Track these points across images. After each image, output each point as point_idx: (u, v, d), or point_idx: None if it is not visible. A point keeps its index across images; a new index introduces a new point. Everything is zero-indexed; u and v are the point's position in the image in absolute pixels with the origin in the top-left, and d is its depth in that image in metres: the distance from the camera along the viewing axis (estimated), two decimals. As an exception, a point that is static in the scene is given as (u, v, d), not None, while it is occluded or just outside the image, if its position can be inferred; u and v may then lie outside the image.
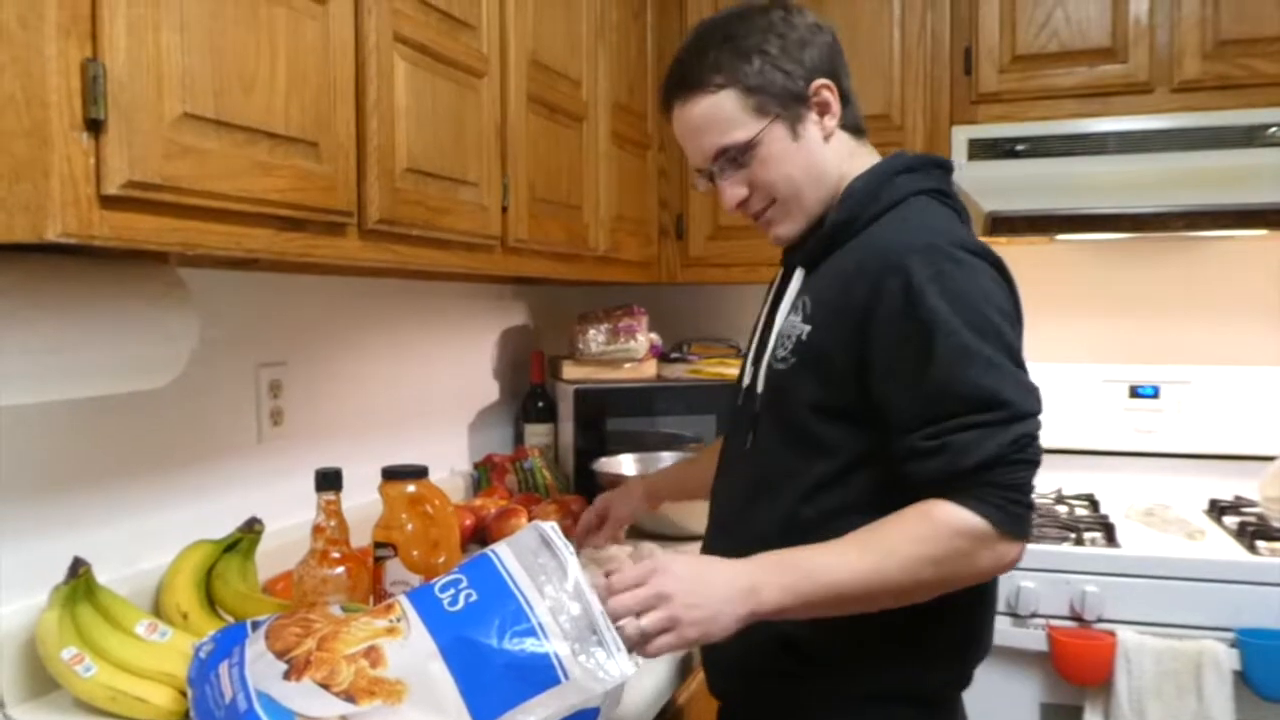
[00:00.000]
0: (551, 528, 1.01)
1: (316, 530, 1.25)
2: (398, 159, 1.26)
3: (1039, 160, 2.13)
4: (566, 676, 0.90)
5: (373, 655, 0.91)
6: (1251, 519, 2.06)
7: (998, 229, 2.08)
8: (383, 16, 1.21)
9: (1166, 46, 2.06)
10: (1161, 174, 2.05)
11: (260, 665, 0.94)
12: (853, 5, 2.22)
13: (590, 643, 0.92)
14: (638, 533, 1.93)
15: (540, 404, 2.37)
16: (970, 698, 1.21)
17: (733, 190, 1.21)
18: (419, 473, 1.33)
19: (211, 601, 1.33)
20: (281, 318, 1.65)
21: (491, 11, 1.51)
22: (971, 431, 1.02)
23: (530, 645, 0.91)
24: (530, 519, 1.74)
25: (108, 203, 0.84)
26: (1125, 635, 1.82)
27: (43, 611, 1.16)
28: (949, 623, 1.13)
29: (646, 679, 1.28)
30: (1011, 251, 2.31)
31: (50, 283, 1.01)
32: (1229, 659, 1.76)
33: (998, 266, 1.11)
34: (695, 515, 1.61)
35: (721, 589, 1.00)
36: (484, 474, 2.19)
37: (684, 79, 1.20)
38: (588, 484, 2.11)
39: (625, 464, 2.13)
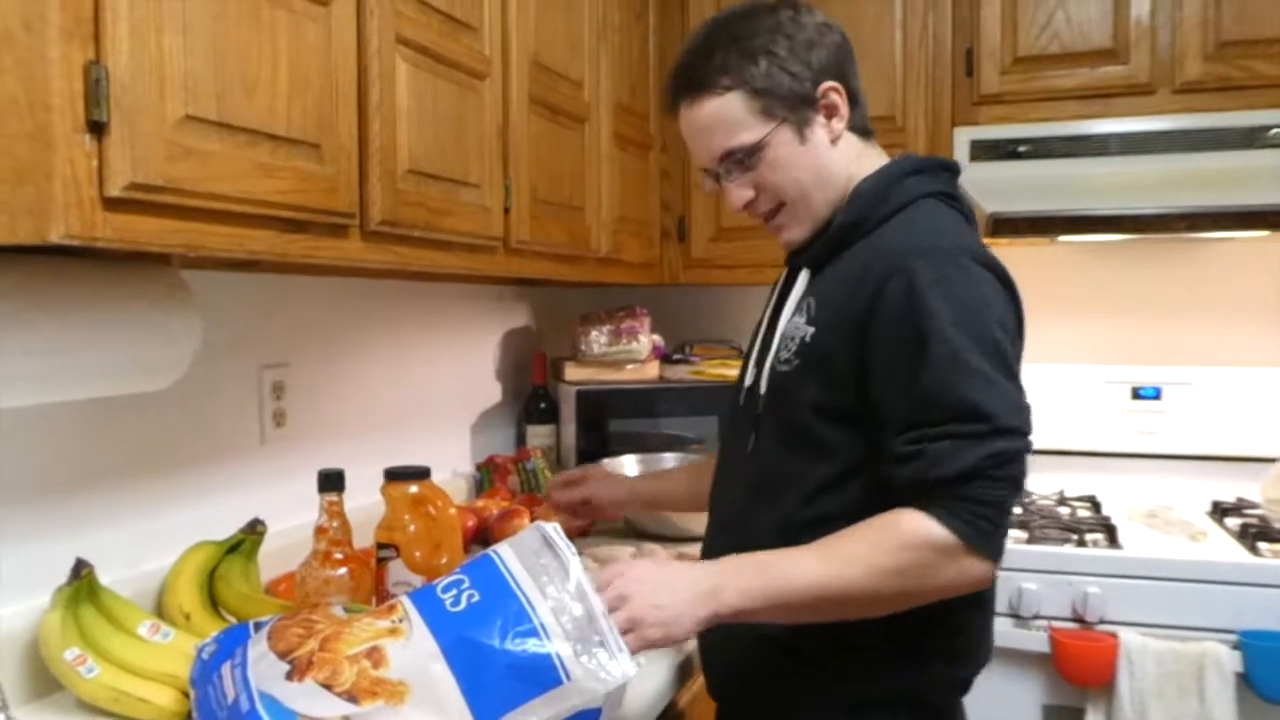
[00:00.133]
0: (554, 528, 1.01)
1: (319, 531, 1.25)
2: (399, 160, 1.26)
3: (1040, 161, 2.13)
4: (568, 677, 0.90)
5: (375, 656, 0.92)
6: (1254, 520, 2.06)
7: (999, 230, 2.08)
8: (385, 18, 1.21)
9: (1168, 48, 2.06)
10: (1163, 175, 2.05)
11: (263, 666, 0.94)
12: (854, 7, 2.22)
13: (592, 643, 0.92)
14: (640, 534, 1.93)
15: (542, 405, 2.37)
16: (972, 699, 1.21)
17: (739, 192, 1.20)
18: (421, 474, 1.33)
19: (214, 602, 1.33)
20: (284, 319, 1.65)
21: (493, 13, 1.51)
22: (949, 441, 1.01)
23: (532, 646, 0.91)
24: (532, 520, 1.74)
25: (110, 205, 0.84)
26: (1127, 637, 1.81)
27: (45, 613, 1.16)
28: (948, 628, 1.12)
29: (647, 682, 1.28)
30: (1013, 253, 2.32)
31: (53, 284, 1.01)
32: (1231, 661, 1.76)
33: (1002, 278, 1.10)
34: (697, 517, 1.61)
35: (683, 591, 1.00)
36: (486, 475, 2.19)
37: (690, 80, 1.18)
38: (590, 485, 2.11)
39: (627, 465, 2.13)
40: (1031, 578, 1.89)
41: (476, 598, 0.95)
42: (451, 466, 2.18)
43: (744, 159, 1.17)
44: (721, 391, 2.25)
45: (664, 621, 0.98)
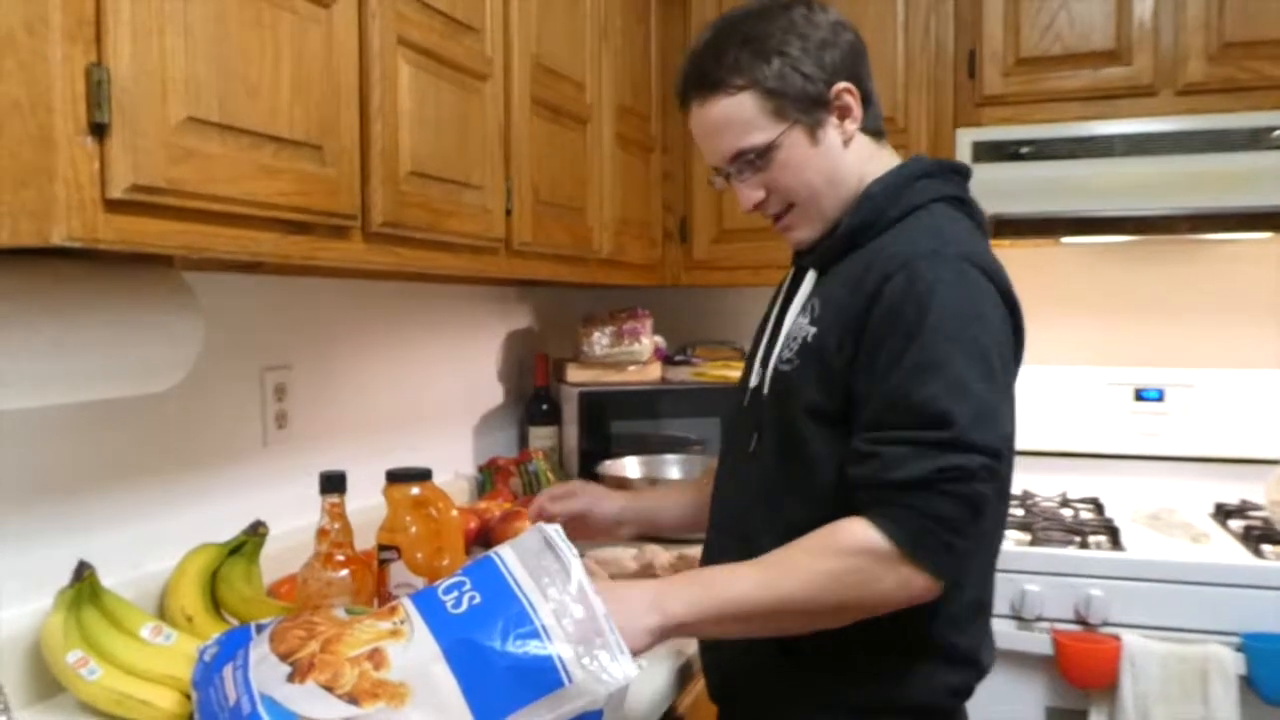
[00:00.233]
0: (555, 530, 1.01)
1: (321, 533, 1.25)
2: (401, 162, 1.26)
3: (1043, 163, 2.13)
4: (570, 679, 0.90)
5: (376, 658, 0.91)
6: (1257, 523, 2.06)
7: (1002, 232, 2.08)
8: (387, 20, 1.22)
9: (1170, 49, 2.06)
10: (1166, 177, 2.04)
11: (264, 668, 0.94)
12: (857, 8, 2.21)
13: (594, 645, 0.92)
14: (641, 535, 1.92)
15: (544, 407, 2.37)
16: (974, 701, 1.21)
17: (749, 193, 1.19)
18: (423, 475, 1.33)
19: (216, 604, 1.33)
20: (286, 321, 1.65)
21: (495, 15, 1.51)
22: (904, 447, 0.99)
23: (533, 648, 0.90)
24: (534, 522, 1.74)
25: (112, 206, 0.85)
26: (1130, 639, 1.81)
27: (48, 615, 1.16)
28: (948, 633, 1.11)
29: (647, 685, 1.27)
30: (1015, 254, 2.32)
31: (55, 286, 1.01)
32: (1234, 663, 1.76)
33: (1005, 293, 1.08)
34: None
35: (633, 603, 1.00)
36: (488, 477, 2.19)
37: (702, 78, 1.17)
38: (592, 487, 2.11)
39: (629, 466, 2.13)
40: (1034, 579, 1.89)
41: (478, 599, 0.95)
42: (453, 468, 2.18)
43: (755, 160, 1.16)
44: (723, 393, 2.26)
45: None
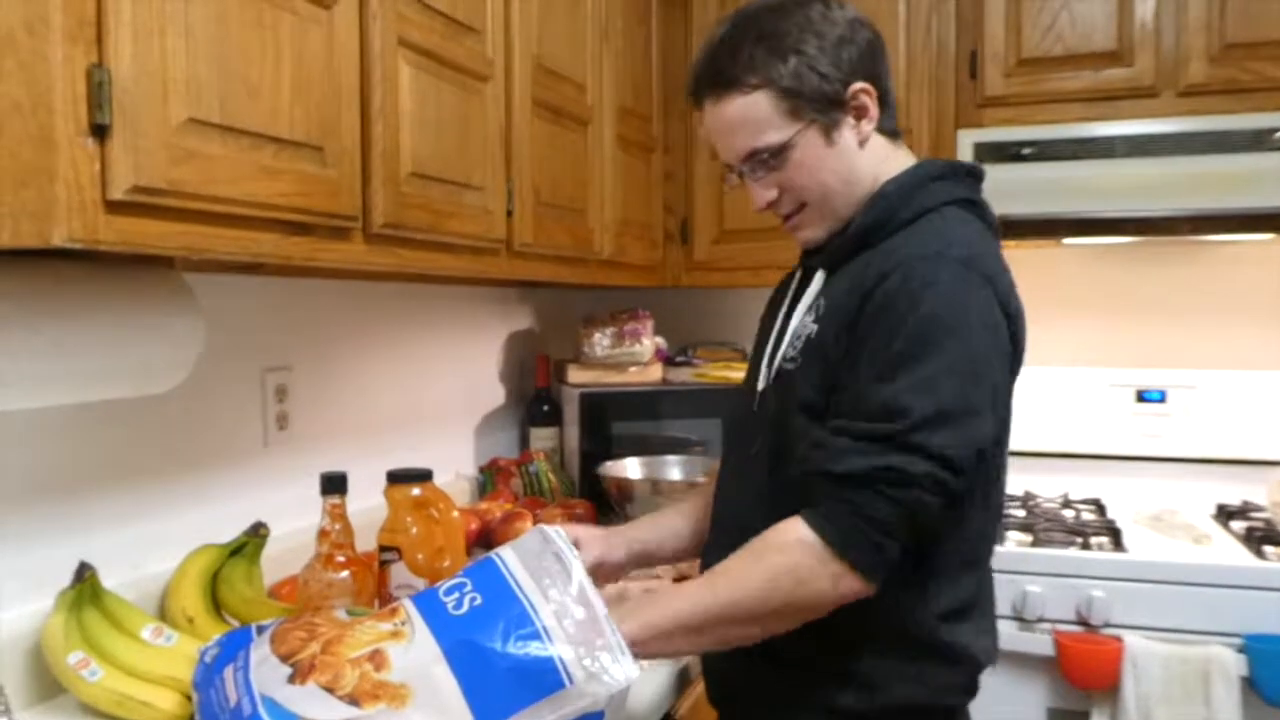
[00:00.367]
0: (556, 531, 1.01)
1: (322, 534, 1.25)
2: (402, 163, 1.26)
3: (1045, 164, 2.12)
4: (570, 680, 0.90)
5: (377, 659, 0.91)
6: (1259, 524, 2.05)
7: (1004, 233, 2.07)
8: (388, 22, 1.22)
9: (1172, 50, 2.06)
10: (1168, 178, 2.04)
11: (265, 669, 0.94)
12: (858, 8, 2.21)
13: (595, 646, 0.92)
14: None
15: (545, 408, 2.37)
16: (976, 702, 1.21)
17: (762, 192, 1.17)
18: (424, 476, 1.33)
19: (217, 606, 1.33)
20: (287, 322, 1.65)
21: (496, 16, 1.51)
22: (849, 439, 0.99)
23: (534, 649, 0.90)
24: (535, 523, 1.73)
25: (113, 208, 0.85)
26: (1132, 640, 1.81)
27: (48, 616, 1.16)
28: (948, 635, 1.11)
29: (646, 689, 1.27)
30: (1018, 255, 2.31)
31: (56, 287, 1.01)
32: (1236, 664, 1.75)
33: (1004, 301, 1.07)
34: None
35: None
36: (489, 478, 2.19)
37: (716, 76, 1.15)
38: (593, 488, 2.11)
39: (630, 467, 2.13)
40: (1036, 580, 1.89)
41: (479, 600, 0.95)
42: (454, 469, 2.18)
43: (769, 159, 1.14)
44: (724, 394, 2.26)
45: None
